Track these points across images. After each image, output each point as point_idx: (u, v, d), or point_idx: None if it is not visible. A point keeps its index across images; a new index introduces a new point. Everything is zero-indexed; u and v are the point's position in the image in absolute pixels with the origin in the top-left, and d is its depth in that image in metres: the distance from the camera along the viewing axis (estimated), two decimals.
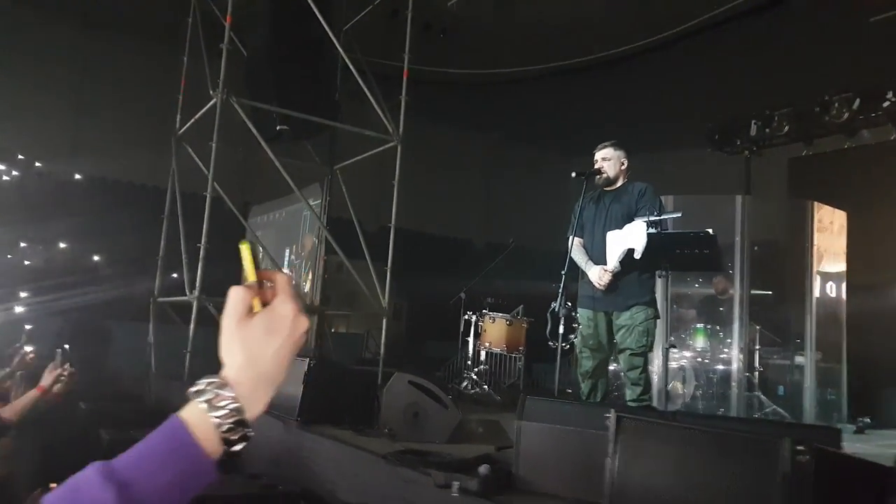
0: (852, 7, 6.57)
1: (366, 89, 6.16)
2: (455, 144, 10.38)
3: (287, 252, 7.60)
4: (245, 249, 0.78)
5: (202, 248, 5.55)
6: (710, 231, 3.09)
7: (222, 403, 0.70)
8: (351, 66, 6.17)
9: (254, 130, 5.79)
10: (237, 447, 0.71)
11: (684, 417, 2.77)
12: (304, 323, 0.77)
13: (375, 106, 6.20)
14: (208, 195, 5.70)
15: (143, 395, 5.99)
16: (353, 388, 4.07)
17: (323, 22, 5.84)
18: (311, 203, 7.14)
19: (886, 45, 6.68)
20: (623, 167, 4.04)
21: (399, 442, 3.44)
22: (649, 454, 2.29)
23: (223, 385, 0.71)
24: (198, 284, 5.56)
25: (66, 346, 3.15)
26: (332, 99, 6.52)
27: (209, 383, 0.72)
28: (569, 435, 2.72)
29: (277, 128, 6.01)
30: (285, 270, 7.51)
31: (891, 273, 6.81)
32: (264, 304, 0.76)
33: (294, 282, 7.04)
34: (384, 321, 5.95)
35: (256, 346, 0.73)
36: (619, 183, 4.05)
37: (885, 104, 6.76)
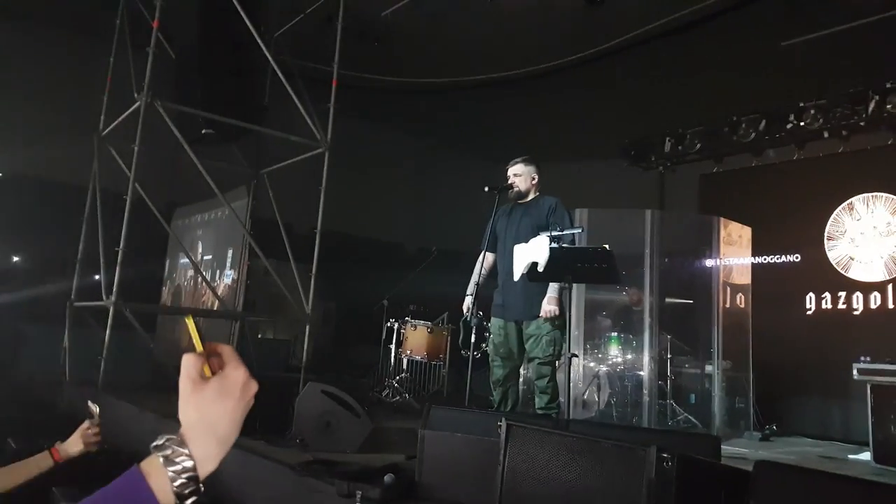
0: (764, 32, 6.97)
1: (294, 95, 6.18)
2: (387, 150, 10.45)
3: (230, 251, 7.48)
4: (189, 322, 0.87)
5: (120, 251, 5.44)
6: (607, 246, 3.27)
7: (178, 459, 0.77)
8: (279, 72, 6.18)
9: (177, 134, 5.72)
10: (187, 501, 0.77)
11: (576, 426, 2.93)
12: (253, 386, 0.85)
13: (304, 112, 6.22)
14: (128, 198, 5.60)
15: (56, 402, 5.80)
16: (268, 397, 4.04)
17: (250, 26, 5.83)
18: (239, 205, 7.08)
19: (793, 69, 7.12)
20: (534, 182, 4.24)
21: (310, 452, 3.48)
22: (536, 460, 2.42)
23: (181, 443, 0.78)
24: (115, 289, 5.44)
25: None
26: (260, 103, 6.50)
27: (168, 439, 0.79)
28: (469, 443, 2.83)
29: (202, 131, 5.97)
30: (228, 271, 7.39)
31: (792, 285, 7.24)
32: (213, 371, 0.84)
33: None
34: (307, 327, 5.95)
35: (210, 409, 0.80)
36: (531, 197, 4.25)
37: (789, 126, 7.18)
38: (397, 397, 6.26)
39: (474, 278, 4.16)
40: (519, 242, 3.77)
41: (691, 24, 7.06)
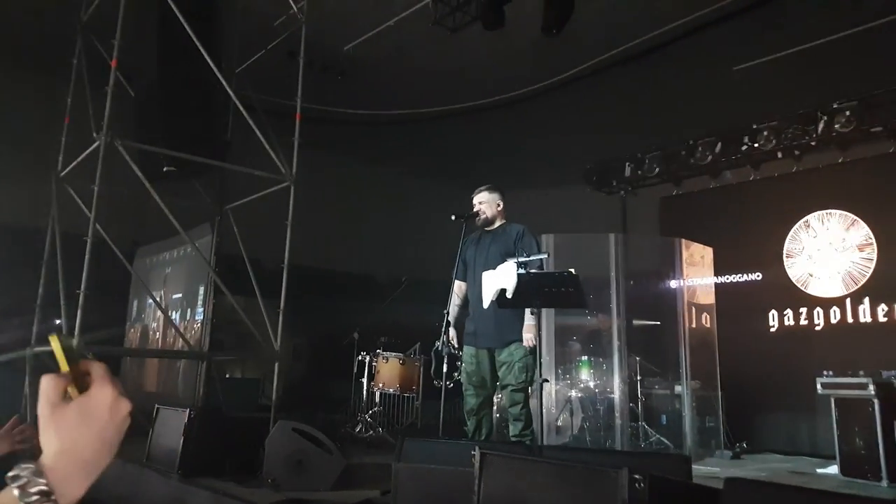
0: (717, 57, 7.22)
1: (256, 130, 6.17)
2: (355, 181, 10.48)
3: (201, 289, 7.35)
4: (54, 341, 0.81)
5: (81, 294, 5.31)
6: (573, 271, 3.31)
7: (33, 489, 0.73)
8: (241, 107, 6.17)
9: (138, 173, 5.65)
10: None
11: (549, 452, 2.93)
12: (125, 406, 0.81)
13: (267, 147, 6.21)
14: (89, 239, 5.49)
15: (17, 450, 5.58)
16: (238, 437, 4.00)
17: (211, 63, 5.83)
18: (204, 242, 7.00)
19: (746, 92, 7.37)
20: (500, 208, 4.31)
21: (282, 491, 3.41)
22: (511, 487, 2.42)
23: (38, 472, 0.74)
24: (76, 332, 5.29)
25: None
26: (223, 139, 6.47)
27: (24, 468, 0.74)
28: (443, 474, 2.81)
29: (164, 168, 5.91)
30: (199, 309, 7.24)
31: (754, 303, 7.40)
32: (82, 391, 0.79)
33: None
34: (276, 365, 5.86)
35: (72, 433, 0.77)
36: (497, 223, 4.32)
37: (744, 147, 7.41)
38: (370, 432, 6.17)
39: (449, 308, 4.16)
40: (487, 269, 3.80)
41: (648, 50, 7.30)
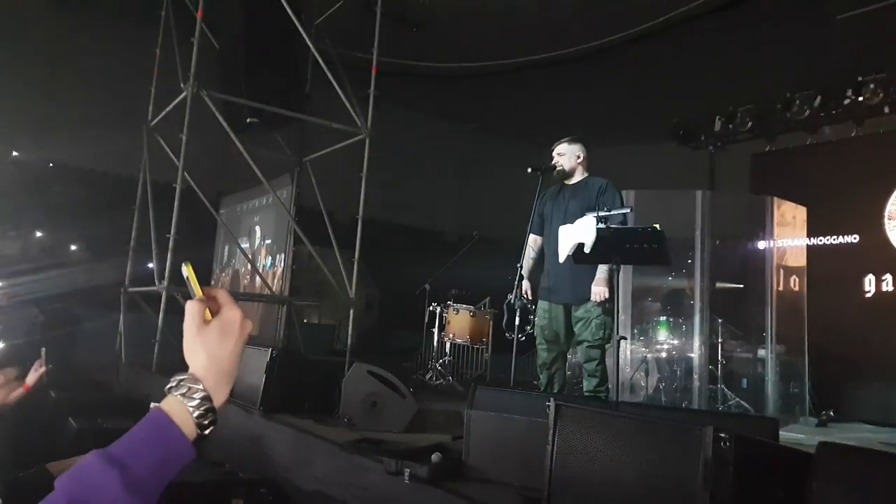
0: (818, 4, 6.69)
1: (335, 83, 6.20)
2: (429, 136, 10.42)
3: (285, 237, 7.61)
4: (188, 270, 0.94)
5: (171, 238, 5.57)
6: (658, 227, 3.17)
7: (195, 395, 0.86)
8: (320, 60, 6.20)
9: (224, 124, 5.81)
10: (208, 430, 0.86)
11: (626, 407, 2.87)
12: (248, 325, 0.93)
13: (344, 99, 6.24)
14: (178, 186, 5.72)
15: (113, 384, 6.01)
16: (315, 378, 4.14)
17: (292, 15, 5.86)
18: (283, 193, 7.18)
19: (849, 43, 6.82)
20: (579, 160, 4.13)
21: (357, 431, 3.51)
22: (586, 441, 2.37)
23: (194, 380, 0.87)
24: (166, 275, 5.58)
25: (45, 349, 3.22)
26: (302, 91, 6.55)
27: (181, 380, 0.87)
28: (515, 423, 2.80)
29: (248, 120, 6.05)
30: (281, 256, 7.48)
31: (849, 267, 6.98)
32: (213, 313, 0.91)
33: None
34: (351, 312, 6.00)
35: (215, 348, 0.89)
36: (578, 177, 4.14)
37: (846, 101, 6.90)
38: (441, 380, 6.27)
39: (523, 262, 4.08)
40: (566, 224, 3.69)
41: None
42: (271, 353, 3.94)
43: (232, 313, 0.91)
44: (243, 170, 6.21)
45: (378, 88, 6.51)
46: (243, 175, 6.73)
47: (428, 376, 6.38)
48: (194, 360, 0.89)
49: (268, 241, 8.00)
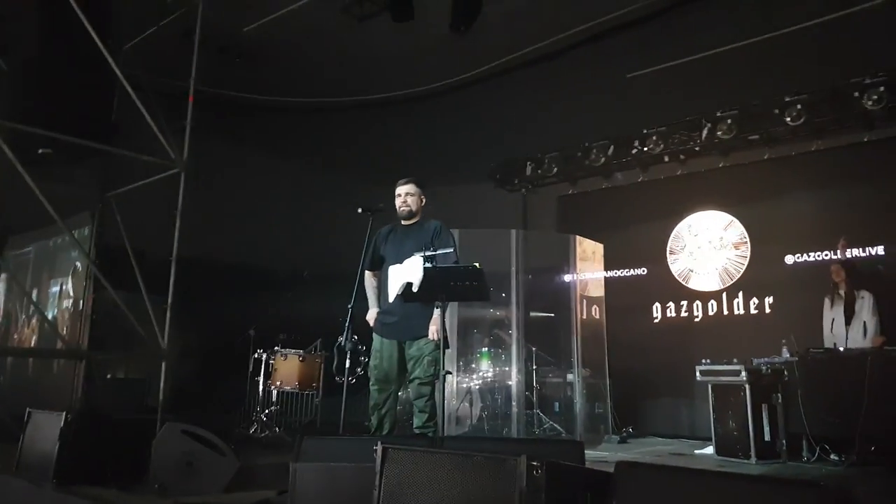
0: (613, 64, 7.55)
1: (144, 111, 5.78)
2: (256, 169, 10.05)
3: (76, 283, 6.79)
4: None
5: None
6: (478, 265, 3.35)
7: None
8: (128, 88, 5.77)
9: (10, 154, 5.15)
10: None
11: (450, 442, 2.96)
12: None
13: (155, 129, 5.83)
14: None
15: None
16: (121, 441, 3.74)
17: (95, 37, 5.40)
18: (81, 233, 6.51)
19: (638, 98, 7.77)
20: (423, 203, 4.24)
21: (170, 497, 3.23)
22: (412, 480, 2.41)
23: None
24: None
25: None
26: (107, 121, 6.02)
27: None
28: (343, 472, 2.76)
29: (39, 150, 5.43)
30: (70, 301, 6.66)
31: (639, 297, 7.85)
32: None
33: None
34: (163, 364, 5.55)
35: None
36: (415, 218, 4.23)
37: (634, 150, 7.86)
38: (266, 432, 5.98)
39: (351, 304, 4.05)
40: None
41: (549, 55, 7.54)
42: (66, 417, 3.52)
43: None
44: (34, 206, 5.53)
45: (198, 120, 6.17)
46: (34, 212, 6.01)
47: (252, 429, 6.05)
48: None
49: (54, 290, 7.15)
